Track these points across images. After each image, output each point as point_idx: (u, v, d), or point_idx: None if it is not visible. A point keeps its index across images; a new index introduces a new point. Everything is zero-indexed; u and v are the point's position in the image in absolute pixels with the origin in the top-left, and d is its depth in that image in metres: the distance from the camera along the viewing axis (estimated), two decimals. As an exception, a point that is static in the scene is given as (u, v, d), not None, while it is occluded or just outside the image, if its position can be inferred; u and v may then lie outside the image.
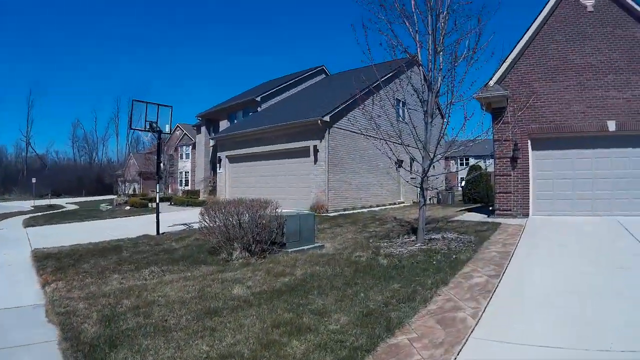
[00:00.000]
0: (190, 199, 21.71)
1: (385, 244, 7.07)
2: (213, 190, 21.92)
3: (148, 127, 9.92)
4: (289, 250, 6.63)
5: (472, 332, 3.36)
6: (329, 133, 14.40)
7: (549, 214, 9.90)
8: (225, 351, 3.13)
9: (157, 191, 10.65)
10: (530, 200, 10.27)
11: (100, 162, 65.70)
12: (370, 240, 7.59)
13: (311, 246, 6.97)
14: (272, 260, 6.21)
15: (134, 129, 12.90)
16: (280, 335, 3.39)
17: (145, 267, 6.08)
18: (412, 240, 7.00)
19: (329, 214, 13.22)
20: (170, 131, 11.85)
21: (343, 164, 15.23)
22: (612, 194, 9.65)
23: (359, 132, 14.88)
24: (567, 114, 9.85)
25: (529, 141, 10.22)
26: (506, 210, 10.32)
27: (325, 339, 3.28)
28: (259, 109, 22.45)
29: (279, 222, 6.75)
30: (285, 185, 16.12)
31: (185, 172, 36.01)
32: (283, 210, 7.39)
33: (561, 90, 9.91)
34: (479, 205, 16.77)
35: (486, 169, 24.04)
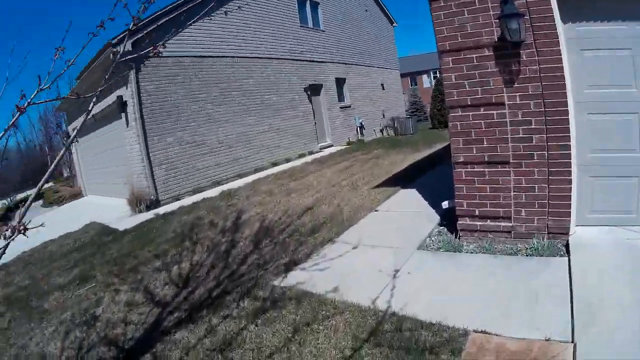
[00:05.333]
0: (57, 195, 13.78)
1: None
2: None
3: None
4: None
5: None
6: (137, 70, 7.71)
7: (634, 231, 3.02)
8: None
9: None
10: (574, 180, 3.18)
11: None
12: None
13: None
14: None
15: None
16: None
17: None
18: None
19: (146, 214, 7.18)
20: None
21: (181, 114, 8.55)
22: None
23: (219, 54, 9.14)
24: None
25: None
26: (490, 218, 3.50)
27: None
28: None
29: None
30: (111, 166, 9.94)
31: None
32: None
33: None
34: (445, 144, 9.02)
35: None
